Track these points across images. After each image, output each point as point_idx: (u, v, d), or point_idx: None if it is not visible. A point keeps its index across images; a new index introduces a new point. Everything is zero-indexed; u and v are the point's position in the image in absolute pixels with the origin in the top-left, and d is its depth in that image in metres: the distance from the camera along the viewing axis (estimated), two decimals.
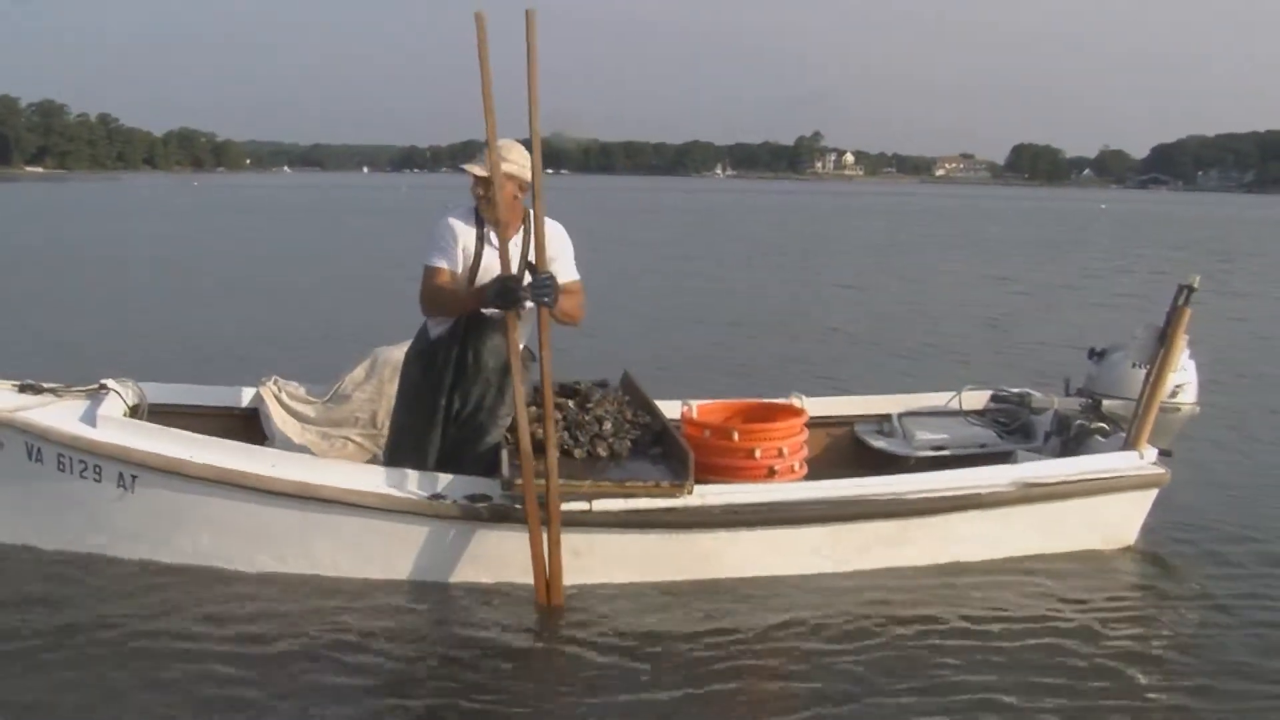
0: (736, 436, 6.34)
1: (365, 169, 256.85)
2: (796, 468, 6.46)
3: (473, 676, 5.05)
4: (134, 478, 5.93)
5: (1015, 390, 7.80)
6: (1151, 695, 5.11)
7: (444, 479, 5.88)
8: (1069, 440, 7.20)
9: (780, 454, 6.35)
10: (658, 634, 5.49)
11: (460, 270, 5.94)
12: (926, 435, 7.49)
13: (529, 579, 5.74)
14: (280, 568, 5.93)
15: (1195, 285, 6.65)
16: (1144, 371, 6.90)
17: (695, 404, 6.94)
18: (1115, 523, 6.76)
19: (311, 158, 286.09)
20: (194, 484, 5.86)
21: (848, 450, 7.68)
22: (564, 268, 6.01)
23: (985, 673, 5.20)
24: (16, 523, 6.22)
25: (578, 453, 6.06)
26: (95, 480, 5.98)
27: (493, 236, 5.81)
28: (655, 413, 6.57)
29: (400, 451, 6.13)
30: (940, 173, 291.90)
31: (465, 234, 5.92)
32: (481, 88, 5.54)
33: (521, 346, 6.07)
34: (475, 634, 5.46)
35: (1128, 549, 6.80)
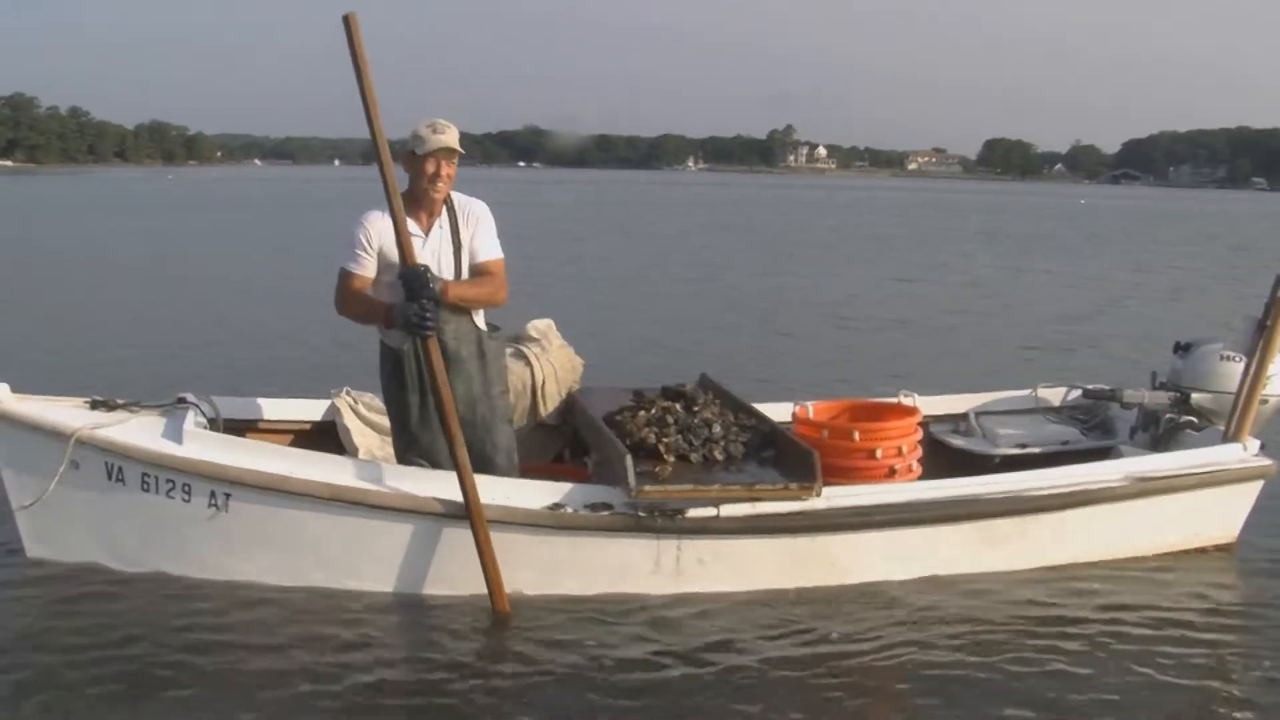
0: (858, 437, 6.18)
1: (337, 162, 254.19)
2: (914, 467, 6.32)
3: (619, 679, 4.95)
4: (228, 496, 5.61)
5: (1105, 386, 7.62)
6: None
7: (563, 488, 5.66)
8: (1159, 435, 7.08)
9: (900, 453, 6.23)
10: (781, 638, 5.38)
11: (377, 272, 5.67)
12: (1008, 433, 7.34)
13: (655, 588, 5.64)
14: (388, 586, 5.67)
15: None
16: (1233, 364, 6.85)
17: (811, 404, 6.73)
18: (1221, 516, 6.66)
19: (283, 150, 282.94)
20: (296, 501, 5.57)
21: (925, 451, 7.46)
22: (483, 244, 5.76)
23: (1108, 671, 5.15)
24: (95, 546, 5.88)
25: (694, 457, 5.84)
26: (184, 500, 5.65)
27: (411, 224, 5.52)
28: (757, 414, 6.37)
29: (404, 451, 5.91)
30: (912, 166, 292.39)
31: (386, 230, 5.54)
32: (361, 89, 5.21)
33: (484, 324, 5.86)
34: (609, 641, 5.29)
35: (1233, 542, 6.73)
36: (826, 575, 5.84)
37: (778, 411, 6.77)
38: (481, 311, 5.85)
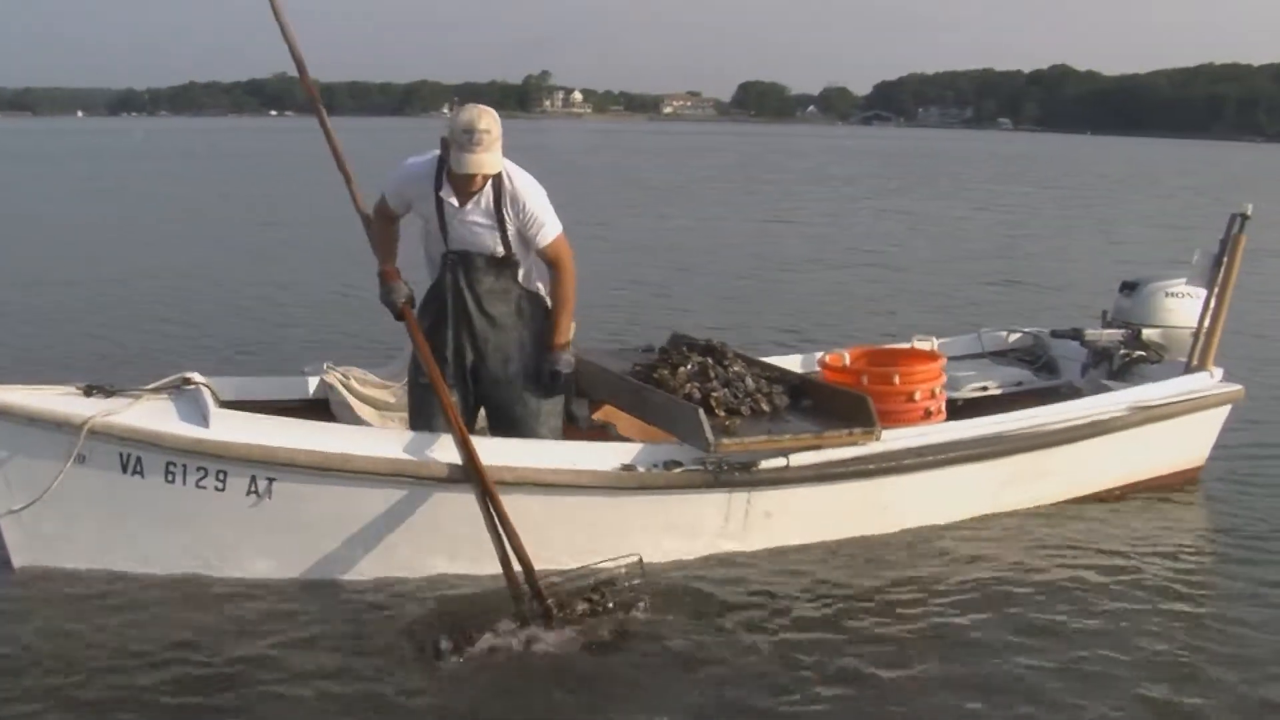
0: (898, 380, 6.31)
1: (80, 113, 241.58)
2: (942, 410, 6.50)
3: (687, 638, 4.92)
4: (270, 481, 5.12)
5: (1059, 328, 8.03)
6: None
7: (631, 448, 5.54)
8: (1115, 371, 7.46)
9: (933, 395, 6.40)
10: (848, 585, 5.52)
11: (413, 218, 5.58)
12: (964, 375, 7.53)
13: (723, 542, 5.68)
14: (462, 564, 5.36)
15: (1249, 213, 7.02)
16: (1179, 300, 7.38)
17: (846, 352, 6.86)
18: (1197, 440, 7.16)
19: (21, 102, 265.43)
20: (359, 480, 5.15)
21: None
22: (537, 228, 5.41)
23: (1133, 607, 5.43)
24: (111, 551, 5.25)
25: (744, 410, 5.79)
26: (218, 489, 5.12)
27: (450, 192, 5.36)
28: (766, 364, 6.37)
29: (413, 417, 5.69)
30: (668, 110, 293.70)
31: (418, 196, 5.49)
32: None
33: (540, 289, 5.65)
34: (678, 599, 5.24)
35: (1202, 465, 7.27)
36: (883, 517, 5.99)
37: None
38: (531, 275, 5.60)
